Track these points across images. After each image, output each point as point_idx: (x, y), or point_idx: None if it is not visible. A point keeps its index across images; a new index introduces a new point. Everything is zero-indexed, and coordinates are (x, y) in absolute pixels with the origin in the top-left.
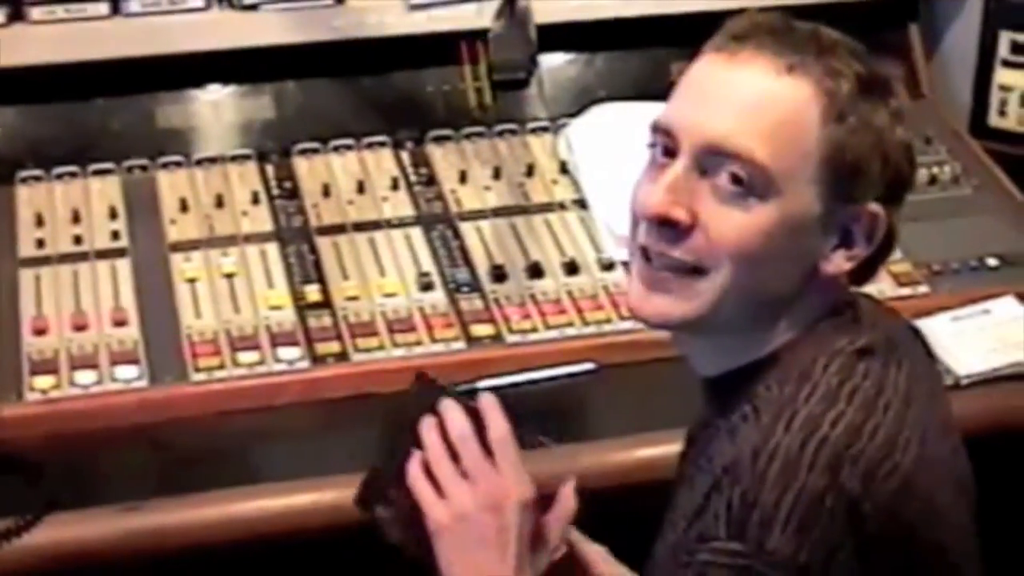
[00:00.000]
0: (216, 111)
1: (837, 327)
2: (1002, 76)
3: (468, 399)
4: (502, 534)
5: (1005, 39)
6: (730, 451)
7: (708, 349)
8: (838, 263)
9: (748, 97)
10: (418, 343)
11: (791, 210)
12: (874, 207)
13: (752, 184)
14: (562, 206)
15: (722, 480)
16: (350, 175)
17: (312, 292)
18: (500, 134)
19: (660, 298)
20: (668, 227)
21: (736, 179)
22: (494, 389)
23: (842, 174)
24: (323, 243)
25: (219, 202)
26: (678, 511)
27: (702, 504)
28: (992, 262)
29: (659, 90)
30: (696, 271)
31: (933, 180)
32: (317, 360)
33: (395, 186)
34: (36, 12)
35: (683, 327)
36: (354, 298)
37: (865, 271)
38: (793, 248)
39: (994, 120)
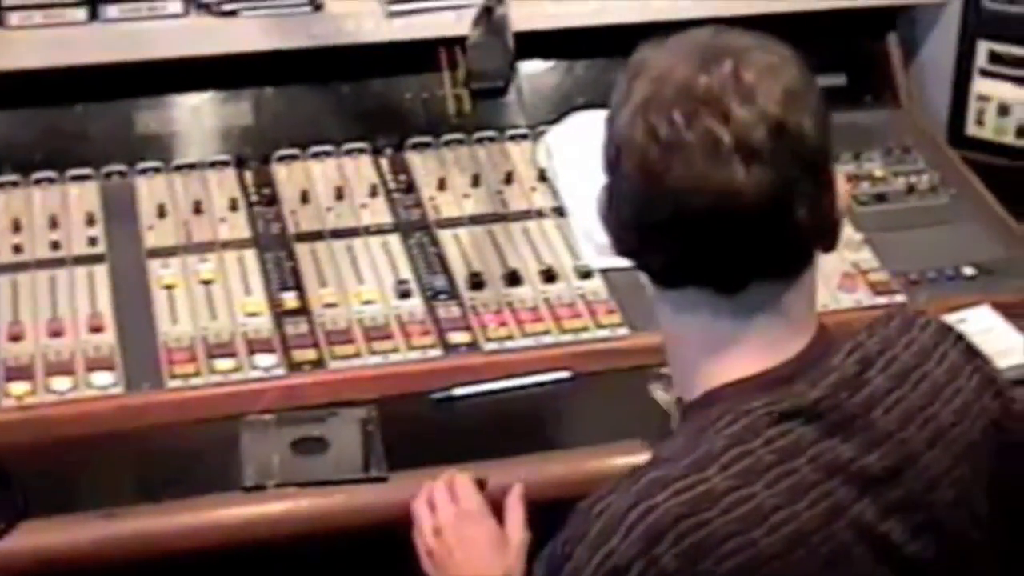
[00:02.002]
0: (195, 117)
1: (769, 382)
2: (980, 86)
3: None
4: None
5: (983, 49)
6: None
7: None
8: None
9: None
10: (395, 350)
11: None
12: None
13: None
14: (540, 214)
15: (568, 520)
16: (329, 182)
17: (290, 299)
18: (479, 141)
19: None
20: None
21: None
22: (470, 396)
23: None
24: (301, 250)
25: (197, 208)
26: None
27: None
28: (969, 271)
29: None
30: None
31: (911, 189)
32: (293, 367)
33: (374, 193)
34: (15, 18)
35: None
36: (332, 305)
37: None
38: None
39: (972, 129)
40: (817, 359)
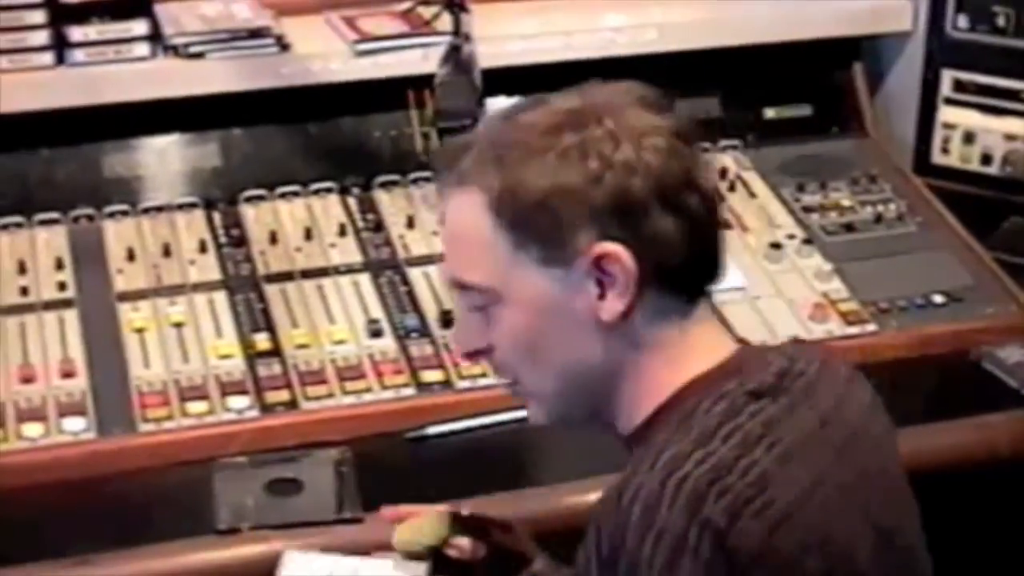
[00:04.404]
0: (162, 159)
1: (727, 372)
2: (945, 114)
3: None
4: None
5: (947, 77)
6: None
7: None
8: (611, 307)
9: (447, 227)
10: (368, 390)
11: (527, 296)
12: (597, 247)
13: (483, 302)
14: None
15: (591, 525)
16: (297, 222)
17: (261, 340)
18: None
19: (529, 411)
20: (482, 358)
21: (473, 304)
22: (444, 435)
23: (535, 242)
24: (271, 291)
25: (166, 251)
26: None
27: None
28: (938, 299)
29: None
30: (518, 383)
31: (878, 218)
32: (266, 409)
33: (343, 232)
34: None
35: (562, 426)
36: (303, 346)
37: (685, 284)
38: (561, 321)
39: (937, 158)
40: (748, 355)
